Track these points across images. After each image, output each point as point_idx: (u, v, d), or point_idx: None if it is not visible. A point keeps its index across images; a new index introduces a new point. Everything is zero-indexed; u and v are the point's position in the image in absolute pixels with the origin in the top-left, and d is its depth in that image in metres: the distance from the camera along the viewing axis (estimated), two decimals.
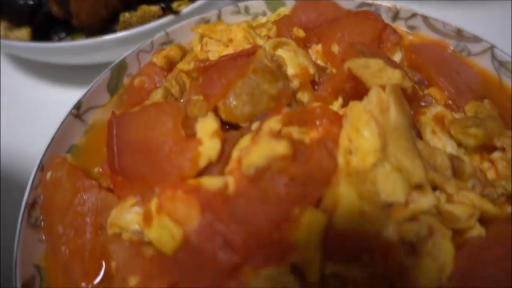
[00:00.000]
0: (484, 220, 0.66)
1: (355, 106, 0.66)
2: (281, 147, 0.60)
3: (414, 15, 0.97)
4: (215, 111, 0.74)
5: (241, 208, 0.59)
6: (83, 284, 0.69)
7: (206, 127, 0.69)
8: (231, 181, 0.64)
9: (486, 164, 0.72)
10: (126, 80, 0.97)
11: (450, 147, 0.68)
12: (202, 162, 0.67)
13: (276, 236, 0.56)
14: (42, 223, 0.75)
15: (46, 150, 0.80)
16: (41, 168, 0.77)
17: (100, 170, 0.80)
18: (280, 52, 0.77)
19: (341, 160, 0.64)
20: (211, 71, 0.76)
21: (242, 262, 0.55)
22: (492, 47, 0.88)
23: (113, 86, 0.95)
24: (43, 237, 0.74)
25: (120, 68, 0.96)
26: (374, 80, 0.68)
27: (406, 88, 0.71)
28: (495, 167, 0.71)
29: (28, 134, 1.12)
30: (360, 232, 0.57)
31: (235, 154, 0.66)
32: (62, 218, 0.72)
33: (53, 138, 0.82)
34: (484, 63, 0.90)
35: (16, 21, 1.25)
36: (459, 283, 0.58)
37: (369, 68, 0.69)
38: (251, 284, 0.53)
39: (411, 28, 0.99)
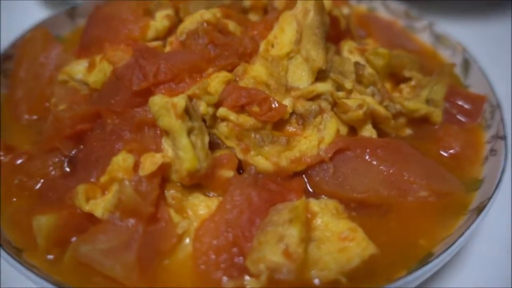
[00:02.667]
0: (382, 136, 0.75)
1: (285, 14, 0.79)
2: (208, 14, 0.72)
3: None
4: (177, 12, 0.88)
5: (165, 54, 0.70)
6: (26, 116, 0.79)
7: (163, 13, 0.83)
8: (168, 48, 0.76)
9: (396, 94, 0.81)
10: None
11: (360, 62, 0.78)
12: (151, 33, 0.80)
13: (183, 77, 0.66)
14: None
15: (35, 24, 0.94)
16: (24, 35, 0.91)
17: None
18: None
19: (262, 47, 0.75)
20: None
21: (150, 88, 0.65)
22: (430, 24, 1.00)
23: None
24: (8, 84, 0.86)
25: None
26: None
27: (337, 17, 0.84)
28: (402, 95, 0.80)
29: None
30: (257, 90, 0.66)
31: (178, 30, 0.78)
32: (27, 66, 0.84)
33: (43, 20, 0.97)
34: (425, 38, 1.01)
35: None
36: (333, 155, 0.65)
37: None
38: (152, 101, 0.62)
39: (372, 9, 1.14)
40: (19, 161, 0.69)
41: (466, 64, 0.90)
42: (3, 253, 0.53)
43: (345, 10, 0.96)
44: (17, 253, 0.55)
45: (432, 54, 0.98)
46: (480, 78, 0.84)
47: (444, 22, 1.26)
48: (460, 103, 0.81)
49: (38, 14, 1.37)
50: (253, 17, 0.90)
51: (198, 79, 0.68)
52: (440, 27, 0.99)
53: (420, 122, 0.77)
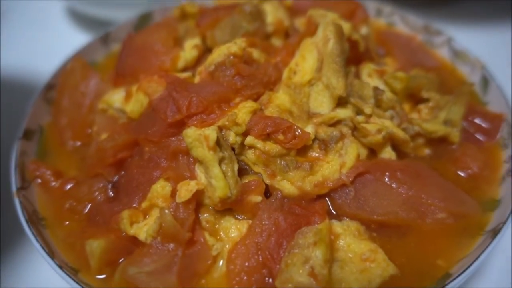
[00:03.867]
0: (401, 157, 0.78)
1: (306, 41, 0.83)
2: (234, 47, 0.77)
3: (393, 13, 1.14)
4: (204, 40, 0.93)
5: (195, 86, 0.76)
6: (71, 142, 0.87)
7: (191, 42, 0.89)
8: (197, 77, 0.82)
9: (414, 115, 0.85)
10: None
11: (379, 87, 0.81)
12: (181, 63, 0.86)
13: (213, 108, 0.72)
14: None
15: (72, 55, 1.02)
16: (65, 65, 0.99)
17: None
18: (265, 5, 0.96)
19: (285, 75, 0.80)
20: (207, 10, 0.97)
21: (183, 119, 0.71)
22: (449, 39, 1.02)
23: (138, 29, 1.18)
24: (52, 111, 0.94)
25: (147, 16, 1.20)
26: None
27: (357, 40, 0.87)
28: (420, 116, 0.83)
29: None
30: (282, 119, 0.71)
31: (207, 61, 0.83)
32: (69, 95, 0.92)
33: (80, 49, 1.05)
34: (443, 53, 1.03)
35: None
36: (354, 179, 0.69)
37: (325, 17, 0.86)
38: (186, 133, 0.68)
39: (391, 24, 1.16)
40: (68, 187, 0.77)
41: (485, 81, 0.92)
42: (63, 274, 0.60)
43: (364, 30, 1.00)
44: (73, 273, 0.62)
45: (451, 69, 1.00)
46: (499, 96, 0.86)
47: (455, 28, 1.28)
48: (478, 122, 0.84)
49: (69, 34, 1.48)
50: (276, 41, 0.95)
51: (226, 108, 0.74)
52: (458, 43, 1.01)
53: (438, 142, 0.80)
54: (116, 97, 0.86)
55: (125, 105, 0.84)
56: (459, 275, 0.58)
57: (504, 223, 0.62)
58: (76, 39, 1.55)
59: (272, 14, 0.95)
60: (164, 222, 0.61)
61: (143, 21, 1.19)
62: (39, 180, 0.78)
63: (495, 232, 0.62)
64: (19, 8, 1.75)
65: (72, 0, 1.49)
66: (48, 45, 1.48)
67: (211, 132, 0.66)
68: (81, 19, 1.65)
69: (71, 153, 0.86)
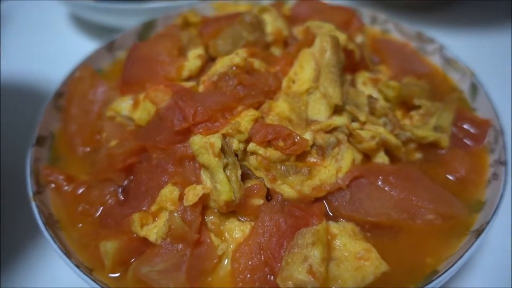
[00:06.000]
0: (394, 161, 0.83)
1: (304, 52, 0.88)
2: (237, 59, 0.82)
3: (387, 20, 1.19)
4: (206, 48, 0.98)
5: (200, 95, 0.81)
6: (80, 149, 0.91)
7: (195, 52, 0.94)
8: (201, 86, 0.86)
9: (406, 121, 0.89)
10: (152, 34, 1.24)
11: (373, 94, 0.86)
12: (185, 72, 0.91)
13: (217, 116, 0.77)
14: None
15: (80, 63, 1.06)
16: (73, 73, 1.04)
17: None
18: (265, 16, 1.01)
19: (284, 84, 0.85)
20: (210, 20, 1.01)
21: (189, 127, 0.76)
22: (441, 47, 1.07)
23: (141, 36, 1.23)
24: (61, 118, 0.98)
25: (150, 24, 1.24)
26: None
27: (353, 50, 0.92)
28: (412, 122, 0.88)
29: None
30: (282, 127, 0.76)
31: (210, 71, 0.88)
32: (78, 103, 0.96)
33: (87, 57, 1.09)
34: (435, 60, 1.08)
35: None
36: (349, 183, 0.74)
37: (322, 28, 0.91)
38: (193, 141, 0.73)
39: (385, 31, 1.21)
40: (80, 191, 0.82)
41: (474, 88, 0.97)
42: (79, 272, 0.65)
43: (359, 38, 1.04)
44: (89, 272, 0.67)
45: (442, 76, 1.05)
46: (486, 102, 0.91)
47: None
48: (466, 127, 0.89)
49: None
50: (275, 50, 0.99)
51: (230, 117, 0.78)
52: (450, 51, 1.06)
53: (429, 146, 0.85)
54: (123, 105, 0.91)
55: (133, 113, 0.88)
56: (444, 272, 0.63)
57: (487, 223, 0.67)
58: (79, 44, 1.61)
59: (272, 24, 0.99)
60: (173, 224, 0.66)
61: (147, 28, 1.24)
62: (53, 185, 0.82)
63: (479, 232, 0.67)
64: (21, 14, 1.79)
65: (75, 7, 1.53)
66: (51, 50, 1.52)
67: (216, 140, 0.71)
68: (84, 24, 1.70)
69: (81, 158, 0.90)
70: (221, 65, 0.83)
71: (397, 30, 1.18)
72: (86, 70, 1.01)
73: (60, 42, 1.60)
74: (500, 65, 1.34)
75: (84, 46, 1.48)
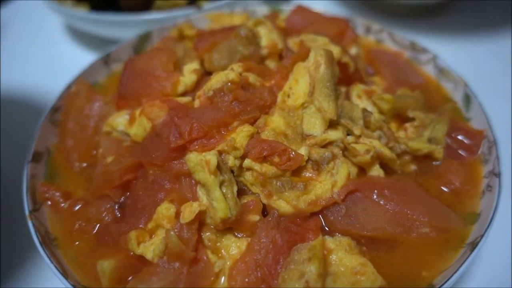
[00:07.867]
0: (389, 173, 0.84)
1: (299, 66, 0.88)
2: (232, 75, 0.82)
3: (381, 30, 1.20)
4: (201, 62, 0.98)
5: (195, 111, 0.81)
6: (77, 164, 0.92)
7: (190, 67, 0.94)
8: (197, 101, 0.87)
9: (401, 133, 0.90)
10: (148, 47, 1.25)
11: (368, 107, 0.87)
12: (181, 87, 0.91)
13: (213, 133, 0.77)
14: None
15: (75, 77, 1.07)
16: (69, 87, 1.04)
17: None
18: (260, 28, 1.02)
19: (279, 99, 0.85)
20: (205, 34, 1.02)
21: (185, 145, 0.76)
22: (434, 57, 1.08)
23: (137, 49, 1.23)
24: (58, 133, 0.98)
25: (146, 37, 1.25)
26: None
27: (347, 63, 0.92)
28: (406, 134, 0.89)
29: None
30: (277, 143, 0.76)
31: (206, 87, 0.88)
32: (74, 118, 0.97)
33: (83, 71, 1.09)
34: (429, 70, 1.09)
35: None
36: (345, 197, 0.75)
37: (316, 42, 0.91)
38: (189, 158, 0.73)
39: (380, 41, 1.22)
40: (76, 207, 0.82)
41: (467, 98, 0.97)
42: None
43: (353, 50, 1.05)
44: None
45: (436, 86, 1.06)
46: (480, 113, 0.92)
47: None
48: (460, 138, 0.89)
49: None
50: (271, 63, 1.00)
51: (225, 133, 0.79)
52: (443, 61, 1.07)
53: (423, 158, 0.86)
54: (119, 120, 0.91)
55: (129, 129, 0.88)
56: (441, 286, 0.64)
57: (482, 236, 0.68)
58: (75, 55, 1.61)
59: (267, 37, 1.00)
60: (170, 243, 0.66)
61: (143, 41, 1.24)
62: (49, 202, 0.82)
63: (474, 245, 0.68)
64: (17, 25, 1.79)
65: (69, 18, 1.53)
66: (47, 61, 1.52)
67: (211, 157, 0.71)
68: (79, 35, 1.70)
69: (78, 174, 0.90)
70: (216, 81, 0.83)
71: (391, 39, 1.19)
72: (82, 85, 1.01)
73: (56, 53, 1.60)
74: (493, 70, 1.35)
75: (80, 57, 1.48)
